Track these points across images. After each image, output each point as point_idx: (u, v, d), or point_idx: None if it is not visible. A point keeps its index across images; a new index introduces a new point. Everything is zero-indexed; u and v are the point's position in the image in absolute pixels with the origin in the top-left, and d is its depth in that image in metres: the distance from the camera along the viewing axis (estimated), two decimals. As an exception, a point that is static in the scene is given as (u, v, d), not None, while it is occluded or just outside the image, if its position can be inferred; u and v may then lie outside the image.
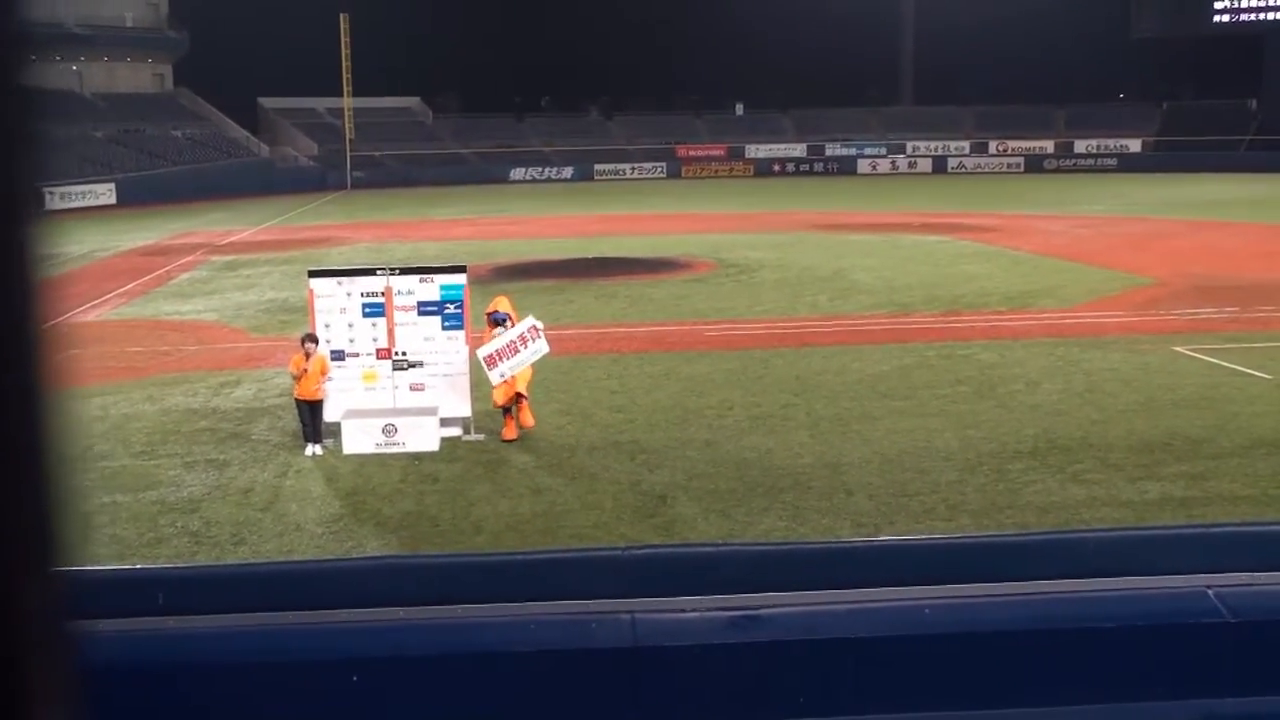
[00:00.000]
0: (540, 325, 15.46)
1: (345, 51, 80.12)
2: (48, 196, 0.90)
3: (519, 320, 15.76)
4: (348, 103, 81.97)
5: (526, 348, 15.20)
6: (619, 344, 21.89)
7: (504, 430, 15.36)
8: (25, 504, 0.87)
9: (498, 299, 16.66)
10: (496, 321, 15.68)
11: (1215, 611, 5.39)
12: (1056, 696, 5.37)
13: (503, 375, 15.13)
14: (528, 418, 15.47)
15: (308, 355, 15.10)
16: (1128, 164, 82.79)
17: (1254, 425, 15.25)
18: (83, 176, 63.82)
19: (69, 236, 44.52)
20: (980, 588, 5.83)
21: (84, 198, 61.44)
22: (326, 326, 15.83)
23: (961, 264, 32.75)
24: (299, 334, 16.29)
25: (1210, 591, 5.49)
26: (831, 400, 17.06)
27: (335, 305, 15.91)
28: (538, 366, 15.81)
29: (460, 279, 16.15)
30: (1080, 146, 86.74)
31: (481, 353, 15.20)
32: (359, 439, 15.01)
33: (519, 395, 15.41)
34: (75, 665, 0.91)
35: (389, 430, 14.99)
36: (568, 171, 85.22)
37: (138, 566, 9.94)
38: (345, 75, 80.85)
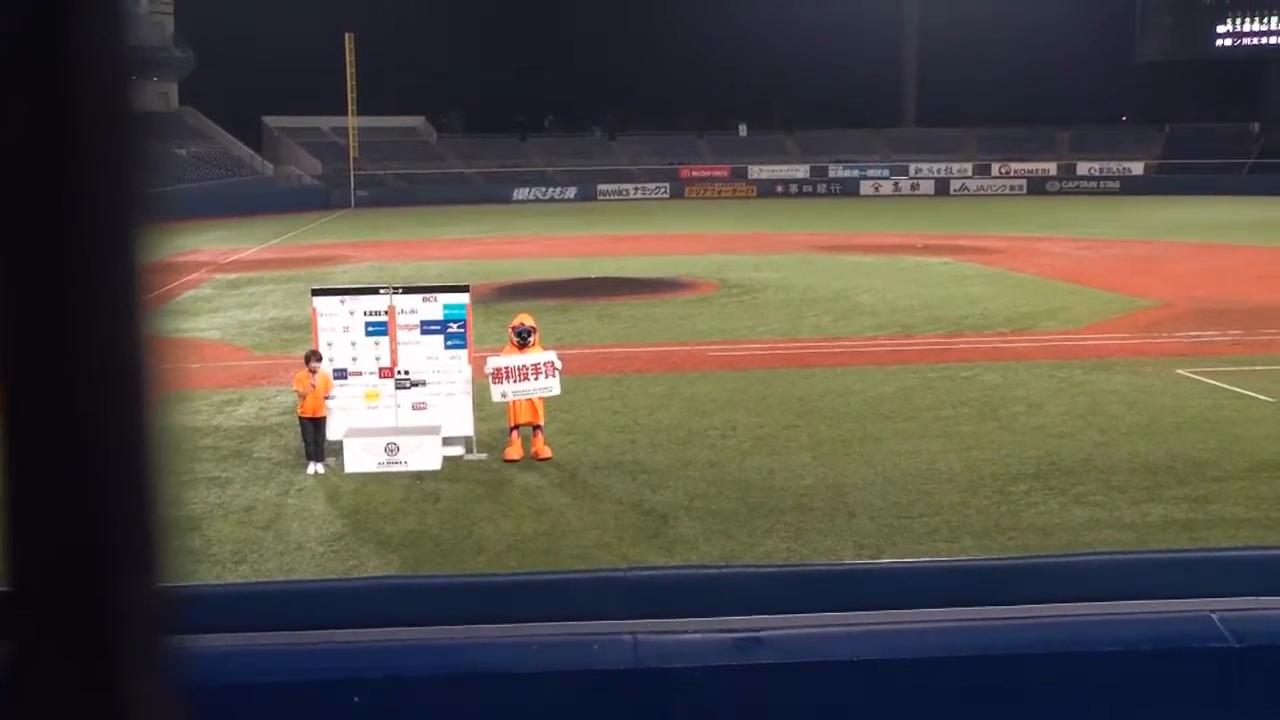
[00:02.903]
0: (559, 364, 15.38)
1: (350, 71, 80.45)
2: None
3: (540, 341, 15.76)
4: (352, 122, 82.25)
5: (537, 379, 15.13)
6: (622, 364, 21.90)
7: (507, 450, 15.33)
8: (133, 515, 0.88)
9: (522, 315, 16.57)
10: (520, 335, 15.58)
11: (1219, 636, 5.36)
12: (1060, 720, 5.34)
13: (504, 395, 15.11)
14: (544, 449, 15.36)
15: (312, 373, 15.11)
16: (1130, 187, 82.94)
17: (1257, 448, 15.22)
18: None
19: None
20: (983, 610, 5.81)
21: (88, 215, 61.48)
22: (329, 345, 15.84)
23: (964, 286, 32.76)
24: (302, 353, 16.29)
25: (1214, 616, 5.47)
26: (834, 421, 17.04)
27: (338, 324, 15.92)
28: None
29: (463, 298, 16.17)
30: (1083, 169, 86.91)
31: (492, 363, 15.16)
32: (361, 458, 15.00)
33: (536, 426, 15.34)
34: (176, 677, 0.92)
35: (391, 449, 14.98)
36: (571, 191, 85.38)
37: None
38: (350, 94, 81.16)
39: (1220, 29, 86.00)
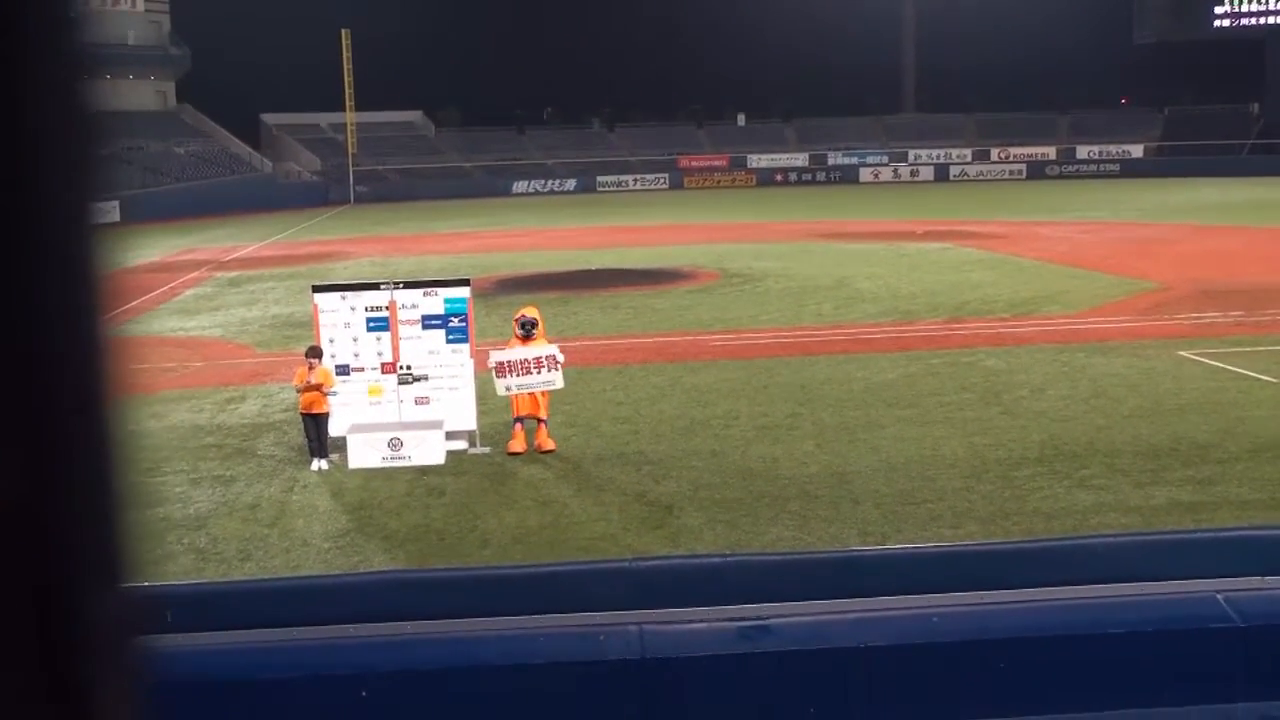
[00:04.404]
0: (561, 359, 15.40)
1: (347, 67, 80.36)
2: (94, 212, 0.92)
3: (545, 333, 15.76)
4: (350, 118, 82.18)
5: (540, 373, 15.14)
6: (624, 355, 21.90)
7: (510, 443, 15.34)
8: (93, 515, 0.88)
9: (526, 307, 16.55)
10: (524, 326, 15.59)
11: (1225, 616, 5.37)
12: (1066, 703, 5.35)
13: (507, 389, 15.12)
14: (547, 441, 15.38)
15: (311, 368, 15.12)
16: (1130, 169, 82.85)
17: (1260, 429, 15.22)
18: (86, 194, 63.83)
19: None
20: (988, 595, 5.82)
21: (88, 216, 61.45)
22: (331, 341, 15.84)
23: (965, 271, 32.74)
24: (303, 349, 16.29)
25: (1219, 596, 5.48)
26: (837, 409, 17.05)
27: (340, 320, 15.92)
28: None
29: (464, 292, 16.17)
30: (1082, 153, 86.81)
31: (496, 357, 15.17)
32: (365, 453, 15.01)
33: (539, 419, 15.35)
34: (143, 681, 0.92)
35: (394, 444, 14.99)
36: (570, 184, 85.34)
37: (144, 584, 9.94)
38: (347, 90, 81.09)
39: (1219, 9, 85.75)
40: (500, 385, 15.10)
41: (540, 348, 15.42)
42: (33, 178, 0.84)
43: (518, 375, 15.08)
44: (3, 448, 0.83)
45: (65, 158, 0.86)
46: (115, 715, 0.89)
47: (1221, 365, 19.05)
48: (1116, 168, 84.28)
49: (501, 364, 15.09)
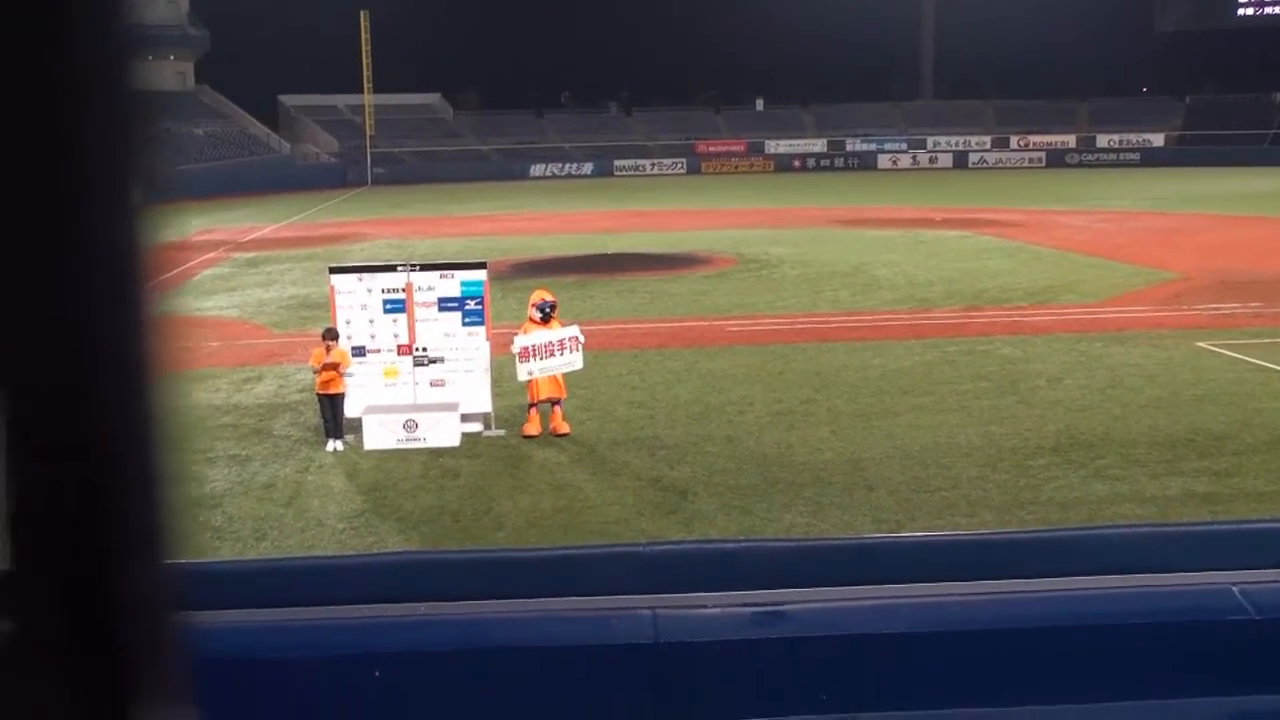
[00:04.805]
0: (582, 339, 15.41)
1: (365, 49, 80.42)
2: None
3: (560, 318, 15.77)
4: (368, 99, 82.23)
5: (562, 354, 15.15)
6: (639, 340, 21.89)
7: (525, 426, 15.36)
8: (137, 493, 0.88)
9: (541, 290, 16.52)
10: (543, 310, 15.59)
11: (1240, 609, 5.35)
12: (1079, 693, 5.34)
13: (530, 374, 15.12)
14: (562, 424, 15.39)
15: (328, 349, 15.15)
16: (1150, 158, 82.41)
17: (1279, 421, 15.14)
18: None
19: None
20: (1003, 584, 5.81)
21: (106, 195, 61.66)
22: (348, 323, 15.87)
23: (983, 259, 32.63)
24: (320, 330, 16.33)
25: (1235, 588, 5.45)
26: (852, 396, 17.02)
27: (356, 301, 15.95)
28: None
29: (480, 275, 16.18)
30: (1103, 141, 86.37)
31: (519, 342, 15.17)
32: (380, 434, 15.05)
33: (555, 401, 15.36)
34: (185, 656, 0.92)
35: (410, 426, 15.03)
36: (588, 167, 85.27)
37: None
38: (366, 72, 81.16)
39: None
40: (523, 370, 15.11)
41: (563, 330, 15.43)
42: (79, 164, 0.84)
43: (540, 359, 15.09)
44: (51, 429, 0.83)
45: (113, 142, 0.86)
46: (158, 687, 0.89)
47: (1240, 357, 18.96)
48: (1137, 157, 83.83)
49: (526, 349, 15.10)
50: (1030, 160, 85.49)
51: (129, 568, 0.88)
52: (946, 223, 43.19)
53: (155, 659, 0.90)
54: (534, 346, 15.10)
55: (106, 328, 0.86)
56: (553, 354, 15.12)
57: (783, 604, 5.51)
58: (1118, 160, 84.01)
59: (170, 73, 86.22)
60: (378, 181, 78.81)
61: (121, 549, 0.88)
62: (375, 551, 11.11)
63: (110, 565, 0.87)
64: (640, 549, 6.78)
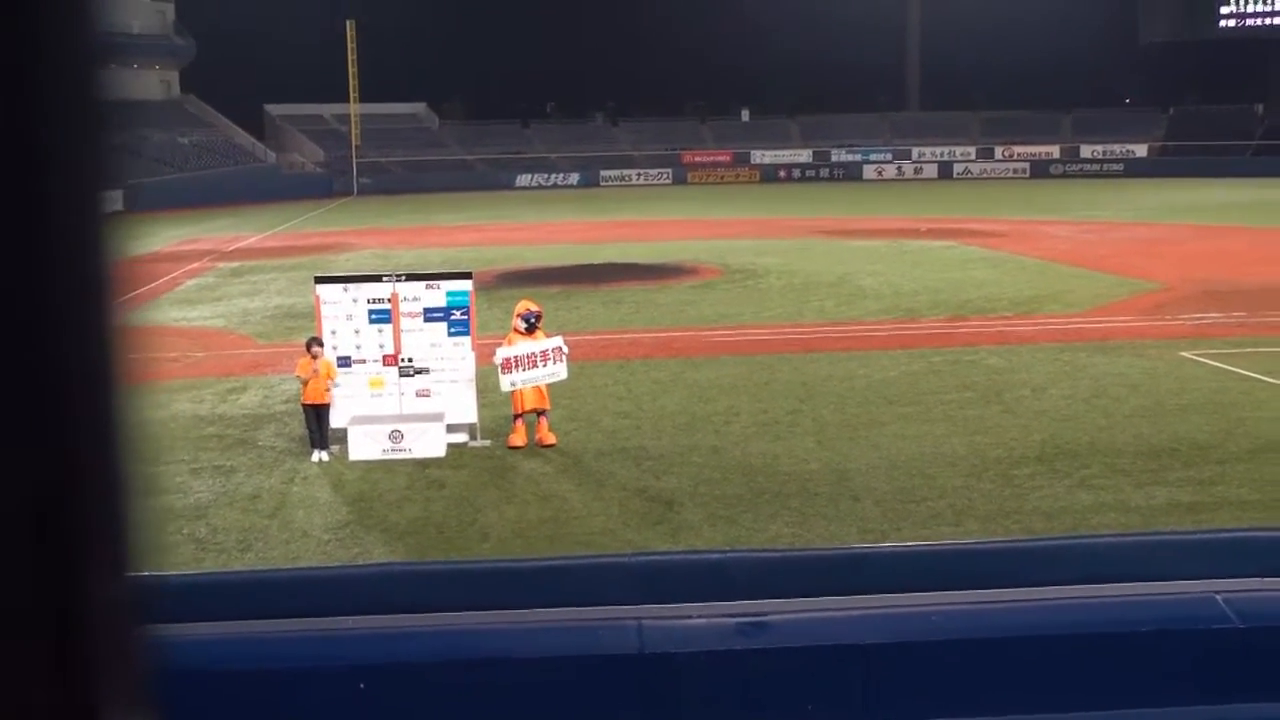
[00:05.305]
0: (566, 350, 15.42)
1: (352, 58, 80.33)
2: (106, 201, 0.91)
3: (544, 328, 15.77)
4: (354, 109, 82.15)
5: (545, 366, 15.14)
6: (625, 350, 21.90)
7: (511, 436, 15.34)
8: (100, 504, 0.88)
9: (526, 301, 16.54)
10: (528, 321, 15.58)
11: (1224, 617, 5.37)
12: (1064, 703, 5.35)
13: (513, 384, 15.10)
14: (548, 435, 15.36)
15: (314, 358, 15.12)
16: (1134, 169, 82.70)
17: (1261, 430, 15.21)
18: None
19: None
20: (987, 594, 5.82)
21: (91, 205, 61.44)
22: (333, 333, 15.84)
23: (968, 269, 32.73)
24: (304, 340, 16.29)
25: (1219, 597, 5.48)
26: (838, 406, 17.04)
27: (342, 312, 15.93)
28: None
29: (466, 285, 16.17)
30: (1086, 152, 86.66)
31: (501, 354, 15.16)
32: (365, 445, 15.02)
33: (540, 412, 15.34)
34: (148, 669, 0.92)
35: (395, 436, 15.00)
36: (573, 178, 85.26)
37: (144, 573, 9.94)
38: (351, 82, 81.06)
39: (1224, 9, 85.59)
40: (505, 381, 15.09)
41: (546, 340, 15.42)
42: (43, 168, 0.83)
43: (523, 369, 15.07)
44: (14, 439, 0.83)
45: (77, 148, 0.86)
46: (121, 700, 0.89)
47: (1223, 366, 19.04)
48: (1120, 167, 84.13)
49: (508, 360, 15.08)
50: (1014, 170, 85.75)
51: (93, 578, 0.88)
52: (931, 233, 43.31)
53: (119, 670, 0.90)
54: (517, 358, 15.08)
55: (70, 338, 0.86)
56: (536, 365, 15.11)
57: (768, 614, 5.52)
58: (1101, 171, 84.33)
59: (155, 82, 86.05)
60: (363, 191, 78.68)
61: (85, 560, 0.88)
62: (361, 563, 11.09)
63: (73, 576, 0.87)
64: (626, 559, 6.79)
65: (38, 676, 0.85)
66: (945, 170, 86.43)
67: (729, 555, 7.59)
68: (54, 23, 0.84)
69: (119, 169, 0.89)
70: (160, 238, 48.88)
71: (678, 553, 9.75)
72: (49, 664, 0.86)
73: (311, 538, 12.15)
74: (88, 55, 0.86)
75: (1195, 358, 19.78)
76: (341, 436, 15.27)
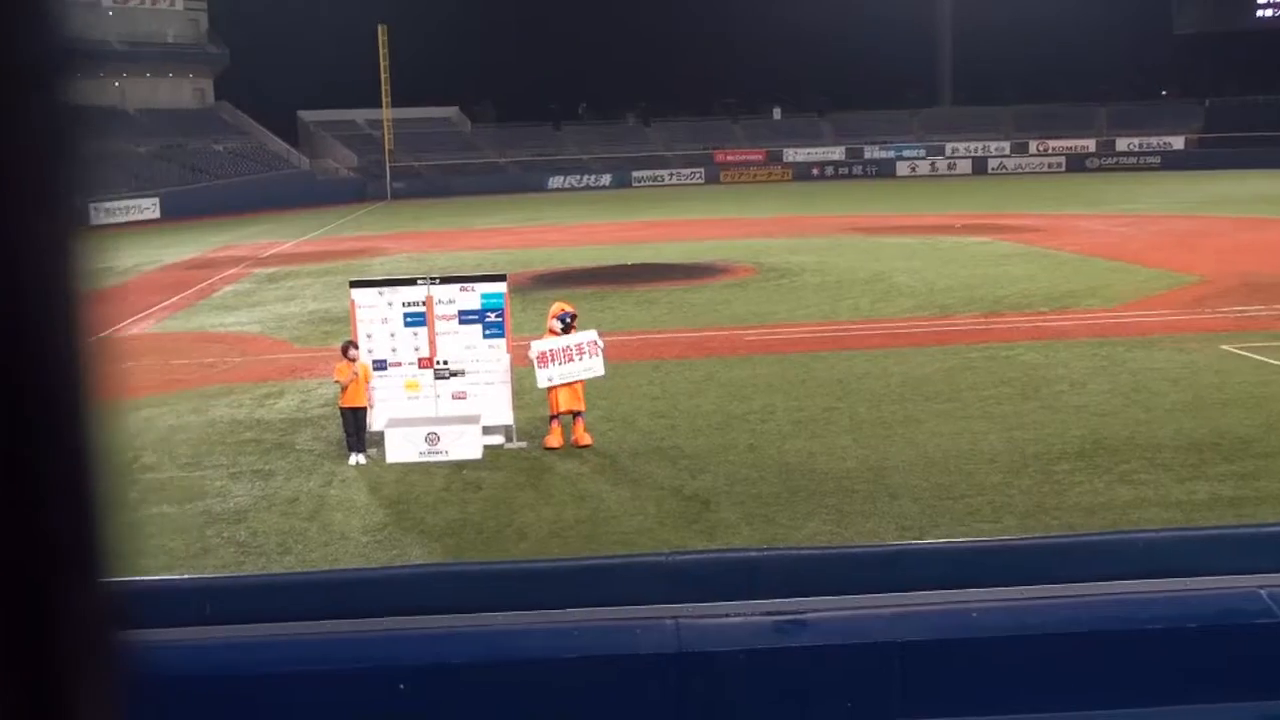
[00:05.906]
0: (601, 343, 15.42)
1: (384, 63, 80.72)
2: (92, 212, 0.90)
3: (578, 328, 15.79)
4: (386, 114, 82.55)
5: (582, 359, 15.15)
6: (660, 350, 21.89)
7: (547, 438, 15.36)
8: (73, 514, 0.87)
9: (560, 303, 16.57)
10: (564, 322, 15.60)
11: (1268, 612, 5.31)
12: (1106, 699, 5.30)
13: (550, 380, 15.12)
14: (584, 436, 15.38)
15: (351, 362, 15.20)
16: (1171, 162, 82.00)
17: (1304, 423, 15.04)
18: (127, 192, 64.58)
19: (114, 251, 45.02)
20: (1027, 590, 5.77)
21: (128, 213, 62.17)
22: (369, 337, 15.92)
23: (1003, 265, 32.52)
24: (340, 344, 16.38)
25: (1263, 592, 5.41)
26: (874, 403, 16.97)
27: (377, 315, 16.00)
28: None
29: (500, 287, 16.21)
30: (1122, 145, 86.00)
31: (536, 348, 15.18)
32: (402, 448, 15.08)
33: (575, 413, 15.34)
34: (123, 676, 0.91)
35: (432, 439, 15.05)
36: (606, 179, 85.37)
37: (185, 577, 10.02)
38: (384, 86, 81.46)
39: (1261, 0, 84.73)
40: (542, 376, 15.11)
41: (579, 334, 15.44)
42: (9, 177, 0.82)
43: (560, 363, 15.08)
44: None
45: (47, 157, 0.85)
46: (94, 709, 0.88)
47: (1265, 360, 18.83)
48: (1157, 160, 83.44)
49: (544, 353, 15.10)
50: (1050, 165, 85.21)
51: (64, 587, 0.87)
52: (966, 229, 43.07)
53: (91, 681, 0.89)
54: (552, 351, 15.10)
55: (40, 347, 0.85)
56: (572, 359, 15.12)
57: (806, 612, 5.50)
58: (1138, 164, 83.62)
59: (190, 90, 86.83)
60: (397, 196, 79.07)
61: (56, 569, 0.87)
62: (399, 565, 11.13)
63: (44, 586, 0.87)
64: (663, 559, 6.78)
65: (12, 686, 0.85)
66: (979, 166, 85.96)
67: (766, 554, 7.57)
68: (17, 22, 0.83)
69: (90, 178, 0.88)
70: (196, 244, 49.28)
71: (714, 551, 9.73)
72: (18, 674, 0.85)
73: (350, 540, 12.22)
74: (51, 63, 0.85)
75: (1237, 351, 19.57)
76: (378, 439, 15.35)
